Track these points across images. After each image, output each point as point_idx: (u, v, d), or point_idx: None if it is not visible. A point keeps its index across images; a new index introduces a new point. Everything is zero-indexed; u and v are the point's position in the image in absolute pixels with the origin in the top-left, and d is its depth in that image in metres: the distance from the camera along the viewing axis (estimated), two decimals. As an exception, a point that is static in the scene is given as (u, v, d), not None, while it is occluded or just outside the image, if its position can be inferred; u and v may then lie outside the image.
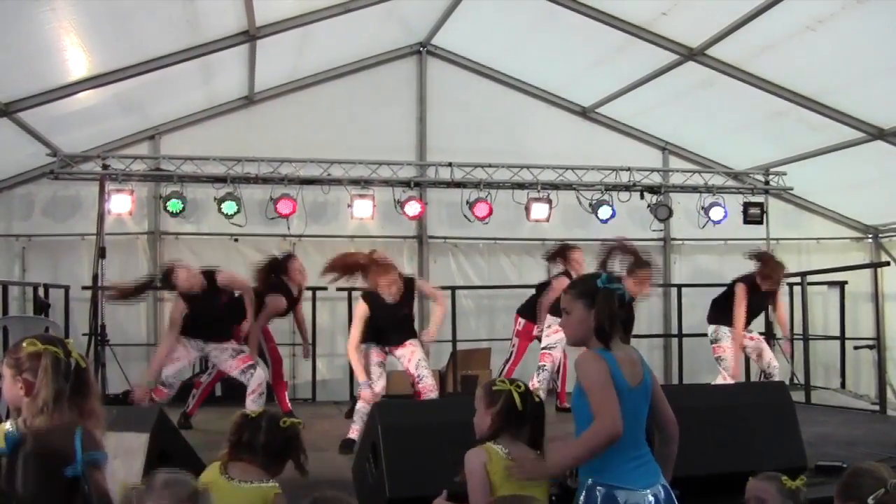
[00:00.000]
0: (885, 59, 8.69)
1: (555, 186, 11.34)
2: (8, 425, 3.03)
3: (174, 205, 10.20)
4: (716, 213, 11.62)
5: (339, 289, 8.95)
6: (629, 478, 3.17)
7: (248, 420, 3.63)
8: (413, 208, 10.84)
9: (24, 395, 3.07)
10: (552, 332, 8.48)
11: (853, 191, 12.10)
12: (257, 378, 7.68)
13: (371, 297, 7.20)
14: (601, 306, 3.27)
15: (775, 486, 3.28)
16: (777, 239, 12.51)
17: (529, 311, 9.40)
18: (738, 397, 6.12)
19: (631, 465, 3.19)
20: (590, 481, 3.21)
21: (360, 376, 7.23)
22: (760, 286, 8.44)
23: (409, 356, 7.38)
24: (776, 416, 5.55)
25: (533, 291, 9.63)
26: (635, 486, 3.15)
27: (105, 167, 10.34)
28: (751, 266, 8.71)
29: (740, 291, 8.50)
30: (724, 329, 8.59)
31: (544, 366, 8.46)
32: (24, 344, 3.10)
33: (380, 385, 7.27)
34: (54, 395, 3.03)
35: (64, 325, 10.09)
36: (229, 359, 7.84)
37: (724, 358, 8.53)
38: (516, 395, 3.47)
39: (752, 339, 8.76)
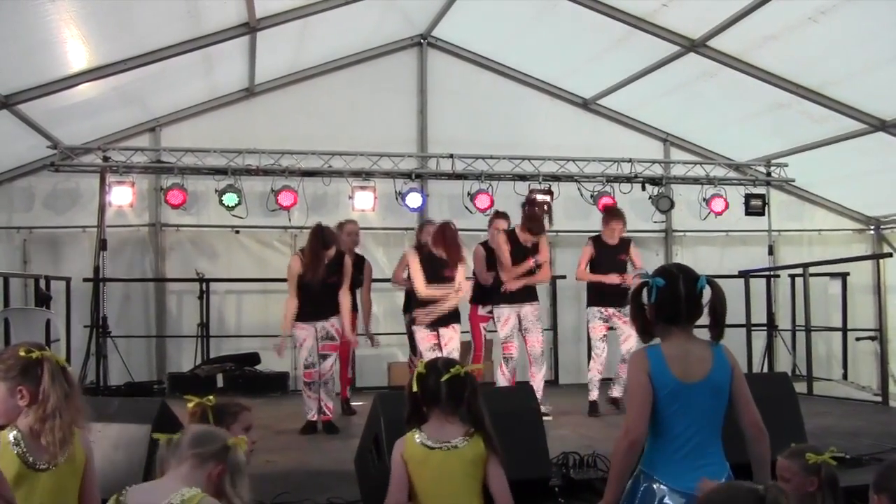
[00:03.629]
0: (886, 51, 8.67)
1: (556, 178, 11.33)
2: (11, 435, 3.04)
3: (174, 196, 10.15)
4: (717, 204, 11.59)
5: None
6: (674, 478, 3.12)
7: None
8: (414, 200, 10.83)
9: (26, 404, 3.05)
10: (504, 323, 8.21)
11: (855, 182, 12.09)
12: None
13: None
14: (633, 302, 3.28)
15: (799, 464, 3.25)
16: (779, 230, 12.52)
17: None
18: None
19: (680, 464, 3.14)
20: (640, 468, 3.21)
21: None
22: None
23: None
24: (779, 407, 5.54)
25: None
26: (680, 486, 3.09)
27: (106, 159, 10.34)
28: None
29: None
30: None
31: (511, 355, 8.22)
32: (20, 353, 3.08)
33: None
34: (64, 397, 3.05)
35: (65, 317, 10.10)
36: None
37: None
38: (415, 377, 3.51)
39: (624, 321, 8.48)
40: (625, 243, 8.74)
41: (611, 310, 8.53)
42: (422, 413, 3.51)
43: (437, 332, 7.82)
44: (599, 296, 8.61)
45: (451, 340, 7.83)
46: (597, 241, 8.76)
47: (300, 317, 7.71)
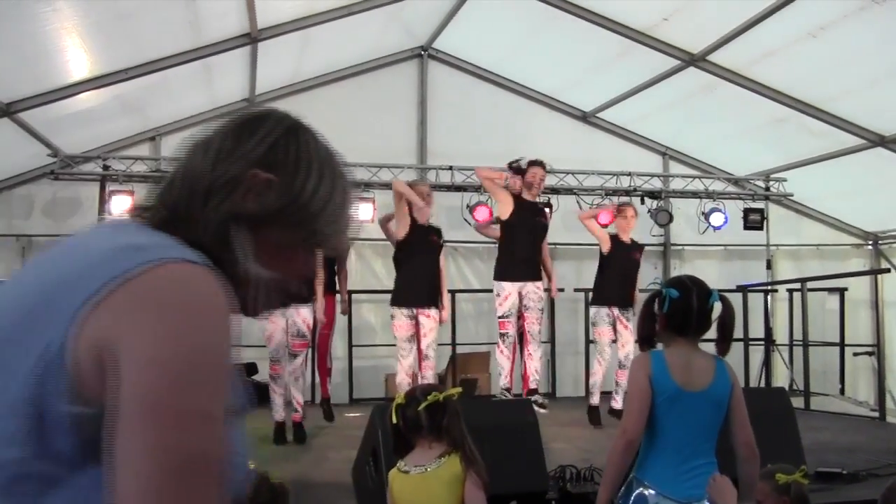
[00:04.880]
0: (886, 67, 8.70)
1: (555, 191, 11.34)
2: None
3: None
4: (716, 218, 11.61)
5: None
6: (667, 485, 3.14)
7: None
8: (413, 212, 10.83)
9: None
10: (503, 300, 8.06)
11: (853, 197, 12.11)
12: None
13: None
14: (644, 311, 3.30)
15: (770, 485, 3.30)
16: (777, 245, 12.53)
17: None
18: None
19: (673, 471, 3.16)
20: (633, 475, 3.22)
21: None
22: None
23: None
24: (776, 422, 5.54)
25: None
26: (671, 494, 3.12)
27: (106, 168, 10.35)
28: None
29: None
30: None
31: (507, 333, 8.12)
32: None
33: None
34: None
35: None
36: None
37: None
38: (394, 409, 3.51)
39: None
40: (638, 245, 8.73)
41: (616, 311, 8.35)
42: (406, 442, 3.51)
43: (416, 319, 7.68)
44: (605, 293, 8.48)
45: (431, 332, 7.69)
46: (614, 238, 8.67)
47: None
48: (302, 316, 7.45)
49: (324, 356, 8.72)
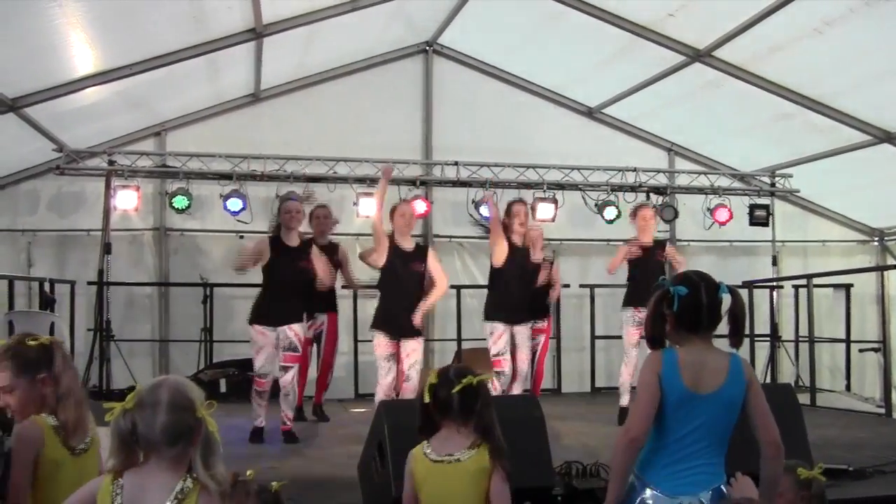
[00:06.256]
0: (892, 62, 8.69)
1: (560, 186, 11.33)
2: (50, 419, 3.03)
3: (180, 201, 10.19)
4: (721, 214, 11.59)
5: (343, 286, 8.99)
6: (663, 481, 3.14)
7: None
8: (419, 207, 10.82)
9: (52, 390, 3.07)
10: (497, 339, 7.99)
11: (859, 193, 12.09)
12: None
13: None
14: (653, 310, 3.26)
15: (791, 479, 3.29)
16: (783, 241, 12.52)
17: None
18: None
19: (670, 469, 3.15)
20: (635, 472, 3.22)
21: None
22: None
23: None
24: (782, 418, 5.51)
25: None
26: (667, 490, 3.11)
27: (111, 163, 10.36)
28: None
29: None
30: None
31: (502, 371, 7.98)
32: (29, 343, 3.11)
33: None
34: (74, 377, 3.10)
35: (69, 320, 10.11)
36: None
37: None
38: (427, 387, 3.46)
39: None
40: (660, 243, 8.74)
41: (642, 313, 8.30)
42: (434, 423, 3.46)
43: (398, 343, 7.35)
44: (632, 295, 8.47)
45: (414, 352, 7.34)
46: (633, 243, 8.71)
47: (259, 319, 7.39)
48: (294, 330, 7.37)
49: (325, 373, 8.76)
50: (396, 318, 7.30)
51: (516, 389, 8.06)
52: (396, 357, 7.32)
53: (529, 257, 8.13)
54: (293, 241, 7.57)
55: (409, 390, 7.28)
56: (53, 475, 2.98)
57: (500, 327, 7.98)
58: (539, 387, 8.95)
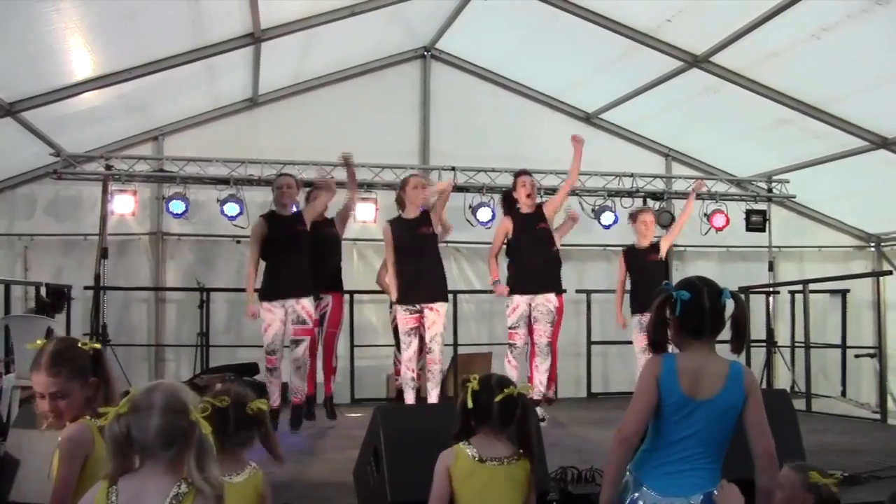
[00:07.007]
0: (889, 68, 8.69)
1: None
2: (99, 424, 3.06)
3: (177, 206, 10.21)
4: (718, 220, 11.61)
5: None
6: (656, 482, 3.16)
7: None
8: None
9: (100, 394, 3.17)
10: (512, 311, 8.15)
11: (856, 199, 12.11)
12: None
13: None
14: (655, 316, 3.27)
15: (799, 478, 3.29)
16: (779, 247, 12.52)
17: None
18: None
19: (664, 470, 3.17)
20: (630, 473, 3.24)
21: None
22: None
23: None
24: (778, 423, 5.52)
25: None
26: (659, 490, 3.13)
27: (108, 168, 10.37)
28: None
29: None
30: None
31: (514, 343, 8.16)
32: (79, 345, 3.22)
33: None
34: (119, 380, 3.17)
35: (65, 324, 10.09)
36: None
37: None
38: (468, 392, 3.52)
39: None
40: (654, 245, 8.80)
41: (647, 317, 8.32)
42: (471, 429, 3.54)
43: (421, 312, 7.62)
44: (636, 301, 8.62)
45: (434, 325, 7.59)
46: (628, 251, 8.87)
47: (266, 295, 7.50)
48: (301, 304, 7.51)
49: (330, 355, 8.72)
50: (415, 285, 7.57)
51: (538, 364, 8.13)
52: (417, 331, 7.58)
53: (536, 224, 8.18)
54: (287, 214, 7.78)
55: (432, 362, 7.58)
56: (97, 475, 3.02)
57: (516, 299, 8.10)
58: (555, 367, 8.84)
